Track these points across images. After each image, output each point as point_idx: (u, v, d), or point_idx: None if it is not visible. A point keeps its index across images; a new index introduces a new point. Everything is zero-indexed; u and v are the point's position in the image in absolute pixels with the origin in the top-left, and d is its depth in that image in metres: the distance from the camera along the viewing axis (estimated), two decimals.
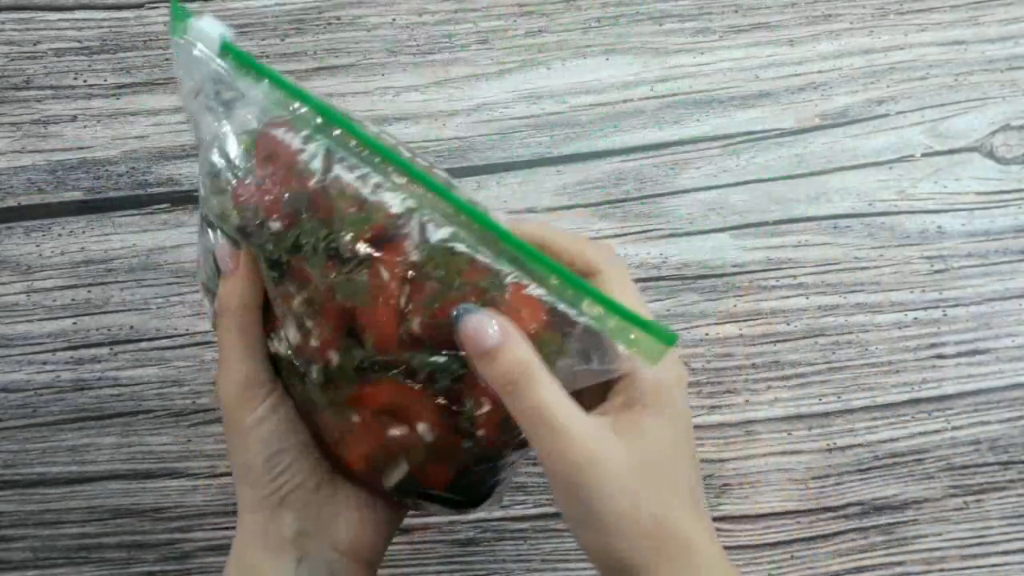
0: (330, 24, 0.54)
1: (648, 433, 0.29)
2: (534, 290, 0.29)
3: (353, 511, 0.34)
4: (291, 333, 0.31)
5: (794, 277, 0.53)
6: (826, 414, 0.52)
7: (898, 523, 0.51)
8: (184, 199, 0.53)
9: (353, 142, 0.31)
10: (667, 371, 0.30)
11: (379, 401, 0.31)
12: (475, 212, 0.30)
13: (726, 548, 0.50)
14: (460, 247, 0.29)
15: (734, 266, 0.53)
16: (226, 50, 0.32)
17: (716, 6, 0.55)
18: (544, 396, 0.28)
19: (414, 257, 0.30)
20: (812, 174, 0.54)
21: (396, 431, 0.31)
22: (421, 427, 0.31)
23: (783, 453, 0.51)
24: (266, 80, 0.32)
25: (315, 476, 0.33)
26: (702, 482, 0.32)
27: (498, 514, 0.51)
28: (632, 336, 0.29)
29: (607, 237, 0.53)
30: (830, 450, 0.51)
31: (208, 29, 0.32)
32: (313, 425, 0.34)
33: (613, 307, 0.29)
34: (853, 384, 0.52)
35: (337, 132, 0.31)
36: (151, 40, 0.54)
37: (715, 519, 0.51)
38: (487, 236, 0.30)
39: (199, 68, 0.32)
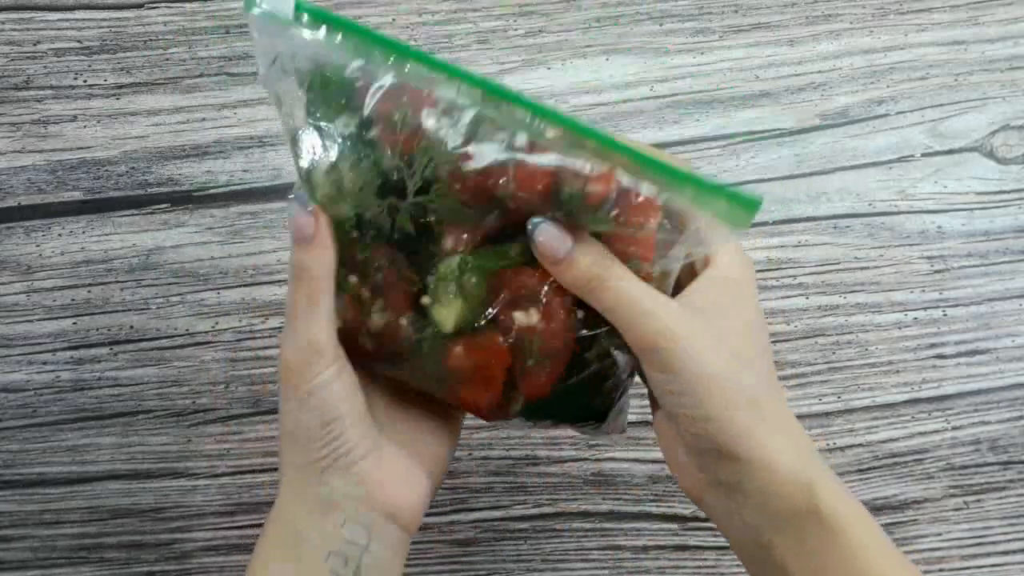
0: None
1: (726, 312, 0.32)
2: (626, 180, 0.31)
3: (396, 478, 0.35)
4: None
5: (794, 277, 0.53)
6: (826, 414, 0.52)
7: (898, 523, 0.51)
8: (184, 199, 0.53)
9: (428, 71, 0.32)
10: (737, 268, 0.33)
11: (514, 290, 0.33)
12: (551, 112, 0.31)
13: (726, 548, 0.50)
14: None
15: None
16: (299, 9, 0.31)
17: (716, 6, 0.55)
18: (623, 286, 0.31)
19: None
20: (812, 174, 0.54)
21: (521, 320, 0.33)
22: (533, 317, 0.33)
23: None
24: (342, 32, 0.31)
25: (364, 444, 0.34)
26: (776, 375, 0.33)
27: (498, 514, 0.51)
28: (716, 206, 0.31)
29: None
30: (830, 450, 0.51)
31: None
32: (420, 378, 0.35)
33: (697, 181, 0.31)
34: (853, 384, 0.52)
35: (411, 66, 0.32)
36: (151, 40, 0.54)
37: None
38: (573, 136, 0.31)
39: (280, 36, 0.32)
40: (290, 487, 0.34)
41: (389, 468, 0.34)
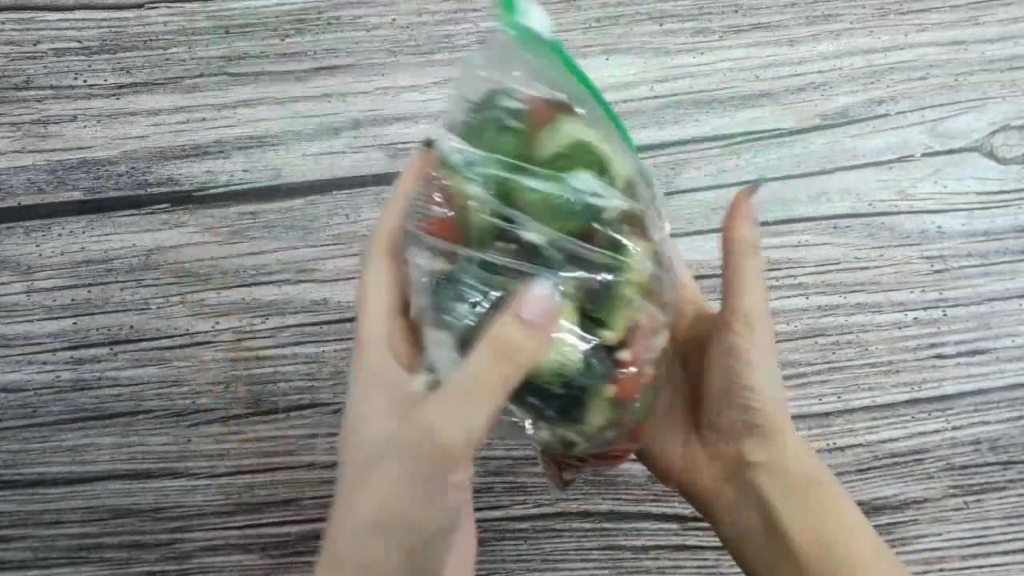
0: (330, 24, 0.54)
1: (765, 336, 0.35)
2: None
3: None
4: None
5: (794, 277, 0.53)
6: (826, 414, 0.52)
7: (898, 523, 0.51)
8: (184, 199, 0.53)
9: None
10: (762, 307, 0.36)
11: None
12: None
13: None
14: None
15: None
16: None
17: (716, 6, 0.55)
18: (762, 263, 0.35)
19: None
20: (812, 174, 0.54)
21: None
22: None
23: None
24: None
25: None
26: None
27: (498, 514, 0.51)
28: None
29: None
30: (830, 450, 0.51)
31: (537, 17, 0.32)
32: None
33: None
34: (853, 384, 0.52)
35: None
36: (151, 40, 0.54)
37: None
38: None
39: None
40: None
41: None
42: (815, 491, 0.33)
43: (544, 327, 0.28)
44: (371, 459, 0.28)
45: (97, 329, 0.52)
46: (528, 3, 0.32)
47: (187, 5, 0.54)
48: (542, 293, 0.28)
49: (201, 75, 0.54)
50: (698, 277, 0.52)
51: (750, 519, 0.34)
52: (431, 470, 0.26)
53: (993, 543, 0.51)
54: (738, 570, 0.51)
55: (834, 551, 0.32)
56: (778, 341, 0.52)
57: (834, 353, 0.52)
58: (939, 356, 0.52)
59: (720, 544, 0.51)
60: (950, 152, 0.54)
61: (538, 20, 0.32)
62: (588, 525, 0.51)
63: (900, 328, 0.52)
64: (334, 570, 0.28)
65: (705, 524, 0.50)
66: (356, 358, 0.30)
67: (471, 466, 0.28)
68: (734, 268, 0.34)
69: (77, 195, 0.53)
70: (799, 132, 0.54)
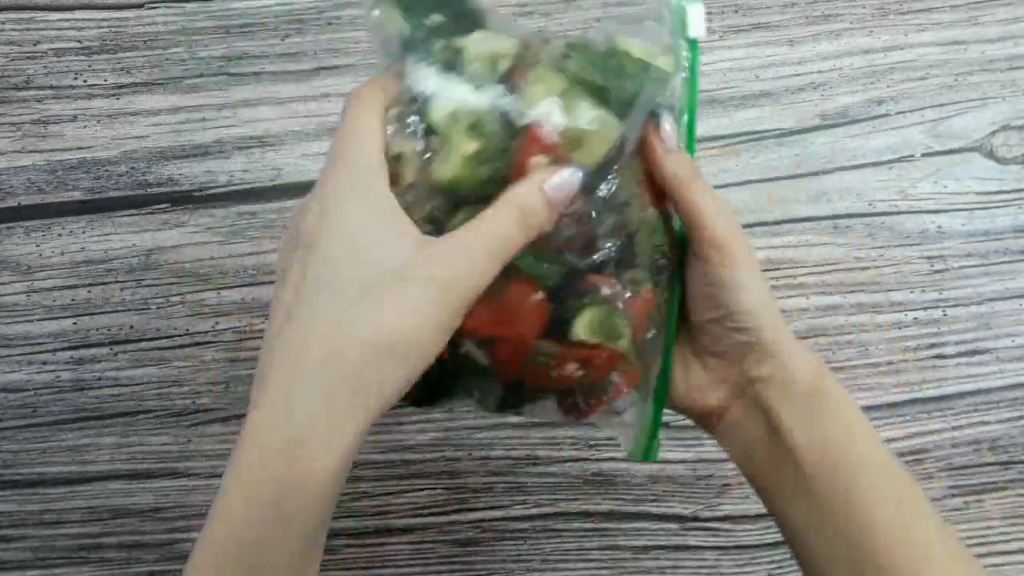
0: (330, 24, 0.54)
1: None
2: None
3: None
4: None
5: (794, 277, 0.53)
6: None
7: None
8: (184, 199, 0.53)
9: None
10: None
11: None
12: None
13: (726, 548, 0.50)
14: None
15: None
16: None
17: (716, 6, 0.55)
18: (709, 187, 0.34)
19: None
20: (812, 174, 0.54)
21: None
22: None
23: None
24: None
25: None
26: None
27: (498, 514, 0.51)
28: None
29: None
30: None
31: None
32: None
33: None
34: (853, 384, 0.52)
35: None
36: (151, 40, 0.54)
37: (715, 519, 0.51)
38: None
39: None
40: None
41: None
42: (818, 398, 0.34)
43: (559, 207, 0.31)
44: (383, 281, 0.28)
45: (97, 329, 0.52)
46: None
47: (187, 5, 0.54)
48: (570, 178, 0.31)
49: (201, 75, 0.54)
50: None
51: (755, 429, 0.35)
52: (446, 300, 0.28)
53: (993, 543, 0.51)
54: (738, 570, 0.51)
55: (832, 452, 0.33)
56: None
57: (834, 353, 0.52)
58: (939, 356, 0.52)
59: (720, 544, 0.52)
60: (950, 152, 0.54)
61: None
62: (588, 525, 0.51)
63: (900, 328, 0.52)
64: (323, 389, 0.27)
65: (706, 524, 0.51)
66: (353, 177, 0.30)
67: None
68: (684, 203, 0.34)
69: (77, 195, 0.53)
70: (799, 132, 0.54)
